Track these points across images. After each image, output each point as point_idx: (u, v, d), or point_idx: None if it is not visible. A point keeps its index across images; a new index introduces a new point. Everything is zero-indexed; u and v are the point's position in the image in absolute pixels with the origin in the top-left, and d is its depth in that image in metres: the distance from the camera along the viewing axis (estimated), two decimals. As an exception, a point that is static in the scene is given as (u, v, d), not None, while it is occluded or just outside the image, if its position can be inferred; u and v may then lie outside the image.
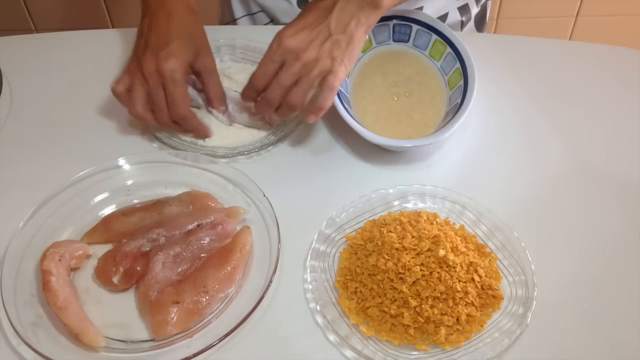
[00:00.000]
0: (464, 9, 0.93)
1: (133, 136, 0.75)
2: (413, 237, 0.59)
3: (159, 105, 0.69)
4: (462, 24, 0.94)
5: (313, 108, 0.67)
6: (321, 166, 0.73)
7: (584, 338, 0.57)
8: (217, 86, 0.73)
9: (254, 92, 0.69)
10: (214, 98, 0.73)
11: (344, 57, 0.66)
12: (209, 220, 0.63)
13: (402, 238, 0.59)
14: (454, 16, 0.93)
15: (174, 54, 0.68)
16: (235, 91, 0.74)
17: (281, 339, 0.57)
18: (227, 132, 0.74)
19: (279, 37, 0.66)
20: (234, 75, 0.80)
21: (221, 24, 1.03)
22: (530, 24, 1.70)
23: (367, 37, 0.74)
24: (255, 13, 0.96)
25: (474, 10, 0.95)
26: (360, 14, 0.66)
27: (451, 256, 0.57)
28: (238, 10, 0.97)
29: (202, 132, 0.72)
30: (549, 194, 0.68)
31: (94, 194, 0.67)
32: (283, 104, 0.67)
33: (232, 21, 0.98)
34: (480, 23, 0.99)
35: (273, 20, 0.95)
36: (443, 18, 0.91)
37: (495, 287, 0.58)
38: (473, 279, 0.57)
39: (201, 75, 0.72)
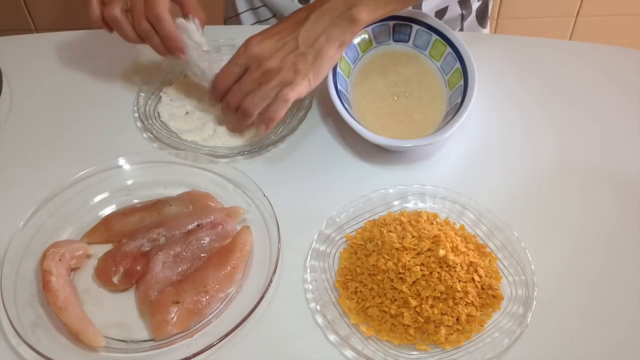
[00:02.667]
0: (464, 3, 0.92)
1: (133, 136, 0.75)
2: (413, 237, 0.59)
3: (136, 4, 0.67)
4: (463, 18, 0.94)
5: (264, 117, 0.67)
6: (321, 166, 0.73)
7: (584, 338, 0.57)
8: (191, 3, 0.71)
9: (217, 93, 0.69)
10: (191, 12, 0.71)
11: (308, 71, 0.66)
12: (209, 220, 0.63)
13: (402, 238, 0.59)
14: (454, 10, 0.92)
15: None
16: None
17: (281, 339, 0.57)
18: (228, 132, 0.74)
19: (247, 41, 0.66)
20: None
21: (225, 18, 1.03)
22: (530, 24, 1.70)
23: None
24: (257, 8, 0.95)
25: (475, 4, 0.94)
26: (332, 30, 0.66)
27: (451, 256, 0.57)
28: (241, 5, 0.97)
29: (175, 44, 0.69)
30: (549, 194, 0.68)
31: (94, 194, 0.67)
32: (238, 109, 0.68)
33: (235, 15, 0.98)
34: (482, 17, 0.98)
35: (276, 15, 0.95)
36: (443, 12, 0.91)
37: (495, 287, 0.58)
38: (473, 279, 0.57)
39: None
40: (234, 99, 0.68)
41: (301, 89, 0.66)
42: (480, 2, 0.95)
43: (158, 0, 0.67)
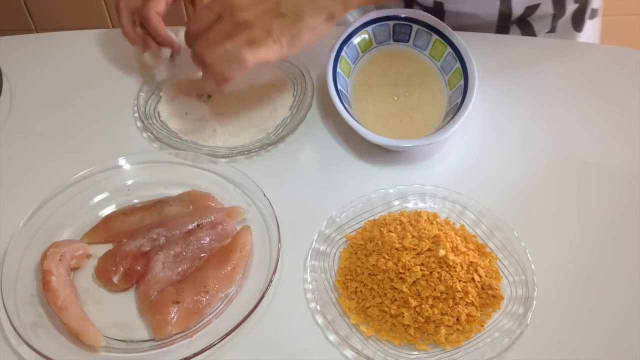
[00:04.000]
0: (558, 3, 0.85)
1: (133, 136, 0.75)
2: (413, 237, 0.59)
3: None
4: (555, 18, 0.88)
5: (217, 75, 0.61)
6: (321, 166, 0.73)
7: (584, 338, 0.57)
8: None
9: (187, 37, 0.64)
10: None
11: (282, 35, 0.60)
12: (209, 220, 0.63)
13: (402, 238, 0.59)
14: (546, 8, 0.85)
15: None
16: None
17: (281, 339, 0.57)
18: (228, 132, 0.74)
19: None
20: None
21: None
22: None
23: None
24: None
25: (571, 6, 0.87)
26: (325, 2, 0.60)
27: (451, 256, 0.57)
28: None
29: (166, 40, 0.71)
30: (549, 194, 0.68)
31: (94, 194, 0.67)
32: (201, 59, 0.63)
33: None
34: (578, 21, 0.90)
35: None
36: (534, 8, 0.85)
37: (496, 287, 0.58)
38: (473, 279, 0.57)
39: None
40: (199, 49, 0.62)
41: (268, 53, 0.60)
42: (577, 5, 0.89)
43: (148, 4, 0.68)
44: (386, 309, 0.56)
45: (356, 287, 0.59)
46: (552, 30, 0.91)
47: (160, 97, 0.78)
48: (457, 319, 0.56)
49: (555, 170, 0.70)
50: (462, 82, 0.72)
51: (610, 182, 0.69)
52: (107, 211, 0.66)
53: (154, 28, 0.70)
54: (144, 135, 0.75)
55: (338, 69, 0.74)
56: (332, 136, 0.75)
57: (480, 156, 0.72)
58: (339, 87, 0.73)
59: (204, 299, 0.57)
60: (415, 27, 0.77)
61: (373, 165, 0.71)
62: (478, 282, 0.57)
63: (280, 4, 0.60)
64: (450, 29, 0.76)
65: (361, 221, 0.65)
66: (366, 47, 0.78)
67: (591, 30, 0.94)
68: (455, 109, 0.70)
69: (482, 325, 0.56)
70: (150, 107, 0.77)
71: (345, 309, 0.58)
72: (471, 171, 0.71)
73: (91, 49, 0.87)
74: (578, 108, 0.77)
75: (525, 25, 0.87)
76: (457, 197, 0.65)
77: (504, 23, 0.86)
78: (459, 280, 0.56)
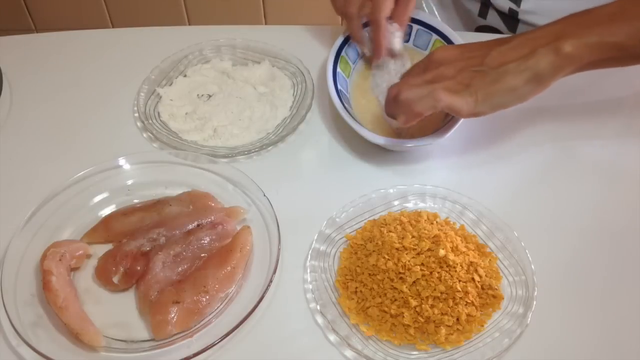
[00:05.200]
0: None
1: (133, 136, 0.75)
2: (413, 237, 0.59)
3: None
4: None
5: (406, 108, 0.62)
6: (321, 166, 0.73)
7: (584, 338, 0.57)
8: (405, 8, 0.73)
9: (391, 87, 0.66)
10: (396, 16, 0.73)
11: (478, 90, 0.58)
12: (209, 220, 0.63)
13: (402, 238, 0.59)
14: None
15: None
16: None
17: (281, 339, 0.57)
18: (228, 132, 0.74)
19: (433, 51, 0.64)
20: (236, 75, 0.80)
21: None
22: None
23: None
24: None
25: None
26: (528, 59, 0.57)
27: (451, 256, 0.57)
28: None
29: (380, 47, 0.73)
30: (549, 194, 0.68)
31: (94, 194, 0.67)
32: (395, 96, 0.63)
33: None
34: None
35: None
36: None
37: (496, 287, 0.58)
38: (473, 279, 0.57)
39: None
40: (396, 88, 0.63)
41: (460, 102, 0.59)
42: None
43: (380, 6, 0.70)
44: (386, 309, 0.56)
45: (356, 287, 0.59)
46: None
47: (161, 97, 0.78)
48: (457, 319, 0.56)
49: (556, 170, 0.70)
50: (462, 82, 0.72)
51: (610, 182, 0.69)
52: (107, 211, 0.66)
53: (376, 38, 0.73)
54: (144, 135, 0.75)
55: (338, 69, 0.74)
56: (332, 136, 0.75)
57: (480, 156, 0.72)
58: (339, 87, 0.73)
59: (204, 299, 0.58)
60: (415, 27, 0.77)
61: (373, 165, 0.71)
62: (478, 282, 0.57)
63: (484, 62, 0.59)
64: (450, 29, 0.76)
65: (361, 221, 0.65)
66: (366, 47, 0.78)
67: None
68: (455, 109, 0.70)
69: (482, 325, 0.56)
70: (150, 107, 0.77)
71: (345, 309, 0.58)
72: (471, 171, 0.71)
73: (91, 49, 0.87)
74: (579, 107, 0.77)
75: None
76: (457, 197, 0.65)
77: None
78: (459, 280, 0.56)
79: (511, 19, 0.87)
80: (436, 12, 0.97)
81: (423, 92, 0.60)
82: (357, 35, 0.75)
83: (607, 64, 0.61)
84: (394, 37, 0.74)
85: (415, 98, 0.61)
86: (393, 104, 0.63)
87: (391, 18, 0.73)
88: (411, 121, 0.62)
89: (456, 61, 0.61)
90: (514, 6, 0.85)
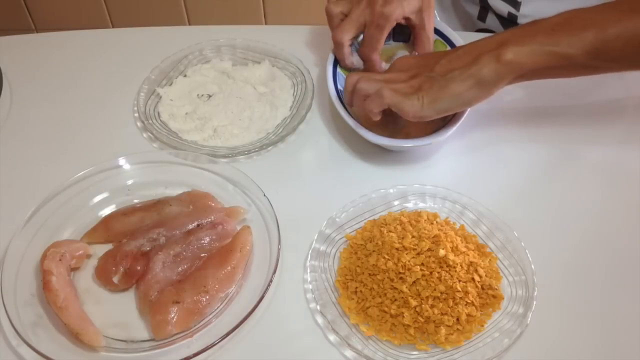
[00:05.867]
0: None
1: (133, 136, 0.75)
2: (413, 236, 0.59)
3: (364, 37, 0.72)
4: None
5: (358, 98, 0.67)
6: (321, 166, 0.73)
7: (584, 338, 0.57)
8: (423, 43, 0.73)
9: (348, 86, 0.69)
10: (419, 49, 0.74)
11: (425, 95, 0.62)
12: (209, 220, 0.63)
13: (402, 238, 0.59)
14: None
15: (398, 1, 0.69)
16: None
17: (281, 339, 0.57)
18: (228, 132, 0.74)
19: (396, 59, 0.68)
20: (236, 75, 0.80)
21: None
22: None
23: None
24: None
25: None
26: (471, 66, 0.60)
27: (451, 256, 0.57)
28: None
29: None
30: (549, 194, 0.68)
31: (94, 194, 0.67)
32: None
33: None
34: None
35: None
36: None
37: (496, 287, 0.58)
38: (473, 279, 0.57)
39: (413, 29, 0.73)
40: (356, 76, 0.67)
41: (406, 104, 0.62)
42: None
43: (371, 42, 0.71)
44: (386, 309, 0.56)
45: (356, 287, 0.59)
46: None
47: (161, 97, 0.78)
48: (457, 319, 0.55)
49: (556, 170, 0.70)
50: (462, 82, 0.72)
51: (610, 182, 0.69)
52: (107, 211, 0.66)
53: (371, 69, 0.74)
54: (144, 135, 0.75)
55: (338, 69, 0.75)
56: (332, 136, 0.75)
57: (480, 156, 0.72)
58: (339, 87, 0.73)
59: (204, 299, 0.57)
60: None
61: (373, 165, 0.71)
62: (478, 282, 0.57)
63: (434, 68, 0.63)
64: (450, 29, 0.76)
65: (361, 221, 0.65)
66: (366, 47, 0.78)
67: None
68: (455, 109, 0.70)
69: (482, 325, 0.56)
70: (150, 107, 0.77)
71: (345, 309, 0.58)
72: (471, 171, 0.71)
73: (91, 49, 0.87)
74: (578, 107, 0.77)
75: None
76: (457, 197, 0.65)
77: None
78: (459, 280, 0.56)
79: (510, 22, 0.87)
80: (436, 14, 0.97)
81: (375, 86, 0.64)
82: (346, 63, 0.74)
83: (554, 73, 0.62)
84: None
85: (369, 90, 0.65)
86: (352, 92, 0.67)
87: (416, 50, 0.74)
88: (372, 116, 0.66)
89: (412, 68, 0.65)
90: (513, 10, 0.85)
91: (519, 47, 0.59)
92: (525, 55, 0.59)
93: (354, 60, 0.75)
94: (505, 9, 0.86)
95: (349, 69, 0.75)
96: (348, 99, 0.69)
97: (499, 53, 0.59)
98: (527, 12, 0.84)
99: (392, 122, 0.71)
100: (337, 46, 0.73)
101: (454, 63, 0.62)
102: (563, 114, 0.77)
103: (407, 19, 0.71)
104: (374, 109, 0.65)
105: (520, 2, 0.83)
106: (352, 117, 0.70)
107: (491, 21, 0.90)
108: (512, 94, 0.79)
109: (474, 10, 0.92)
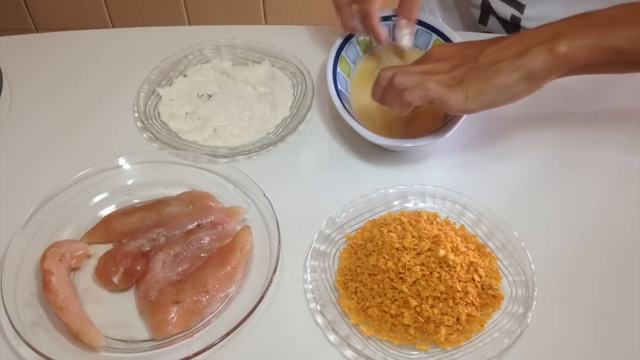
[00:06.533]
0: None
1: (133, 136, 0.75)
2: (413, 237, 0.59)
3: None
4: None
5: (400, 98, 0.62)
6: (321, 166, 0.73)
7: (584, 338, 0.57)
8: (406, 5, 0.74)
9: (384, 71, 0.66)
10: (403, 12, 0.75)
11: (470, 87, 0.58)
12: (209, 220, 0.63)
13: (402, 238, 0.59)
14: None
15: None
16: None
17: (281, 339, 0.57)
18: (228, 132, 0.74)
19: (432, 47, 0.66)
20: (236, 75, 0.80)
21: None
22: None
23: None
24: None
25: None
26: (522, 57, 0.57)
27: (451, 256, 0.57)
28: None
29: (379, 35, 0.75)
30: (549, 194, 0.68)
31: (94, 194, 0.67)
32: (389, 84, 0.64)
33: None
34: None
35: None
36: None
37: (496, 287, 0.58)
38: (473, 279, 0.57)
39: None
40: (389, 72, 0.63)
41: (450, 96, 0.59)
42: None
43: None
44: (386, 309, 0.56)
45: (356, 287, 0.58)
46: None
47: (161, 97, 0.78)
48: (457, 319, 0.55)
49: (556, 169, 0.70)
50: (462, 82, 0.72)
51: (610, 182, 0.69)
52: (107, 211, 0.66)
53: (370, 27, 0.74)
54: (144, 135, 0.75)
55: (338, 69, 0.75)
56: (332, 136, 0.75)
57: (480, 156, 0.72)
58: (339, 87, 0.73)
59: (204, 299, 0.58)
60: (415, 27, 0.77)
61: (373, 165, 0.71)
62: (478, 282, 0.57)
63: (478, 59, 0.59)
64: (450, 29, 0.76)
65: (361, 221, 0.65)
66: (366, 47, 0.78)
67: None
68: (455, 109, 0.70)
69: (482, 325, 0.56)
70: (150, 107, 0.77)
71: (345, 309, 0.58)
72: (471, 171, 0.71)
73: (91, 49, 0.87)
74: (579, 108, 0.77)
75: None
76: (457, 197, 0.65)
77: None
78: (459, 280, 0.56)
79: (512, 26, 0.87)
80: (439, 16, 0.97)
81: (416, 80, 0.61)
82: (348, 25, 0.75)
83: (604, 68, 0.60)
84: (403, 34, 0.74)
85: (408, 84, 0.61)
86: (387, 87, 0.63)
87: (399, 15, 0.74)
88: (402, 111, 0.62)
89: (452, 58, 0.62)
90: (516, 13, 0.84)
91: (573, 40, 0.56)
92: (579, 49, 0.56)
93: (356, 24, 0.75)
94: (508, 12, 0.85)
95: (355, 32, 0.76)
96: (379, 94, 0.65)
97: (553, 45, 0.56)
98: (531, 14, 0.83)
99: (392, 122, 0.71)
100: (337, 7, 0.74)
101: (501, 54, 0.58)
102: (562, 116, 0.77)
103: None
104: (414, 101, 0.61)
105: (525, 5, 0.83)
106: (352, 117, 0.70)
107: (492, 25, 0.90)
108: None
109: (475, 13, 0.91)
